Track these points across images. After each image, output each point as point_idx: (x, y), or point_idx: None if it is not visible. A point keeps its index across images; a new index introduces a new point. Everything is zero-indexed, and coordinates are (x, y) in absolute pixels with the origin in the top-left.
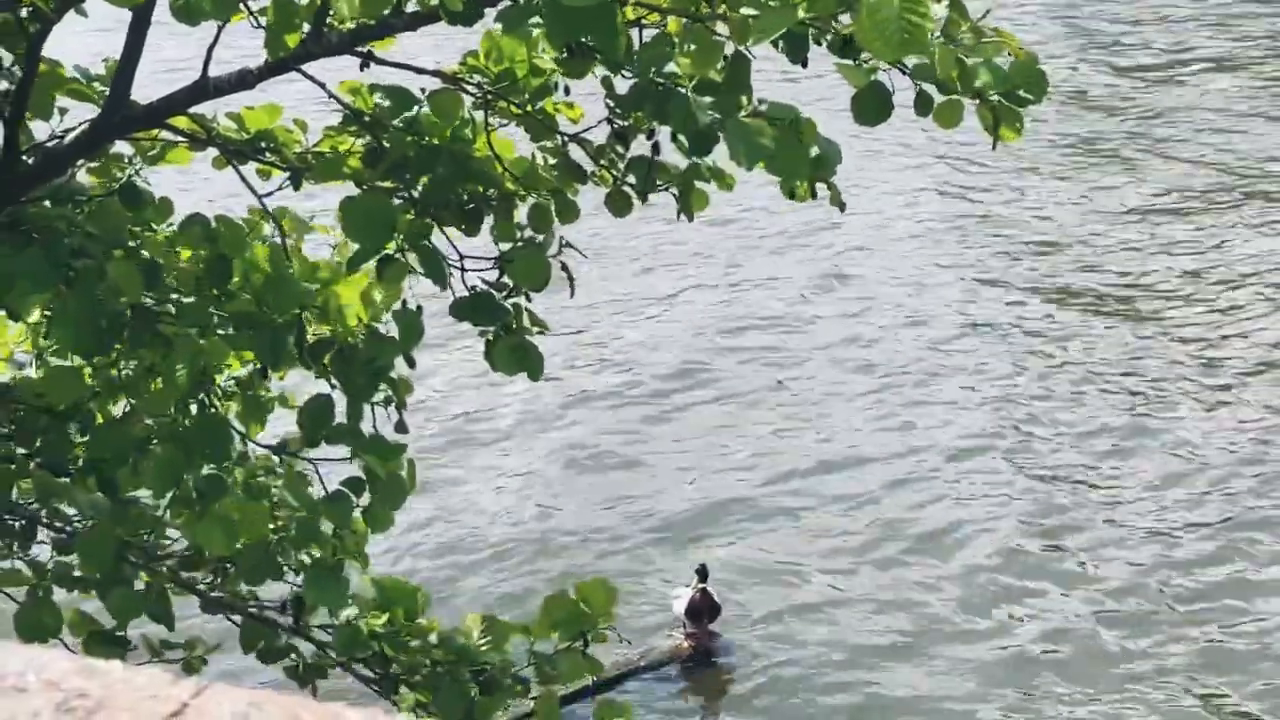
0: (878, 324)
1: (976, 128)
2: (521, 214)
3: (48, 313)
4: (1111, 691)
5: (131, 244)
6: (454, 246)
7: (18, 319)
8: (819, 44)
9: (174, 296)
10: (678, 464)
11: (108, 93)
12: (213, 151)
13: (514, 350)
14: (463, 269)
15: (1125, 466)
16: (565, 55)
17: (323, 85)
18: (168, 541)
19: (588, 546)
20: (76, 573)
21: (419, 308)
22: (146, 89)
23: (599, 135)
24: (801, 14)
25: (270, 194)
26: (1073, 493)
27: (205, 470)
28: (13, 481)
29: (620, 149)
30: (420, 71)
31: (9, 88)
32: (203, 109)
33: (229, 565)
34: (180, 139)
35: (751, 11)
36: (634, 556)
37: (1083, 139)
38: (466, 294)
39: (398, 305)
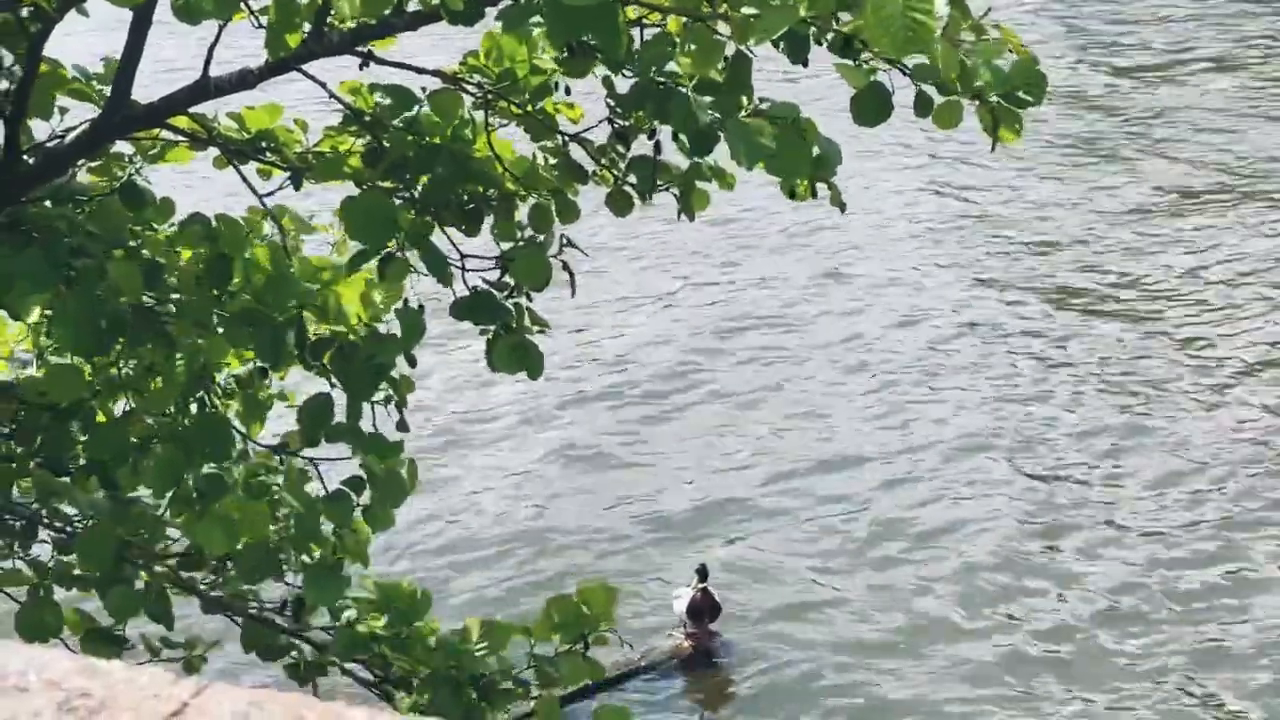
0: (877, 323)
1: (975, 128)
2: (522, 214)
3: (48, 312)
4: (1111, 691)
5: (132, 244)
6: (455, 246)
7: (19, 319)
8: (820, 44)
9: (174, 297)
10: (677, 463)
11: (108, 92)
12: (213, 151)
13: (514, 349)
14: (463, 269)
15: (1123, 466)
16: (566, 55)
17: (323, 85)
18: (168, 541)
19: (587, 546)
20: (77, 571)
21: (420, 306)
22: (147, 89)
23: (600, 135)
24: (802, 12)
25: (271, 194)
26: (1071, 492)
27: (206, 469)
28: (13, 480)
29: (621, 149)
30: (420, 71)
31: (9, 87)
32: (203, 109)
33: (229, 565)
34: (181, 139)
35: (752, 11)
36: (633, 556)
37: (1081, 139)
38: (467, 294)
39: (399, 304)
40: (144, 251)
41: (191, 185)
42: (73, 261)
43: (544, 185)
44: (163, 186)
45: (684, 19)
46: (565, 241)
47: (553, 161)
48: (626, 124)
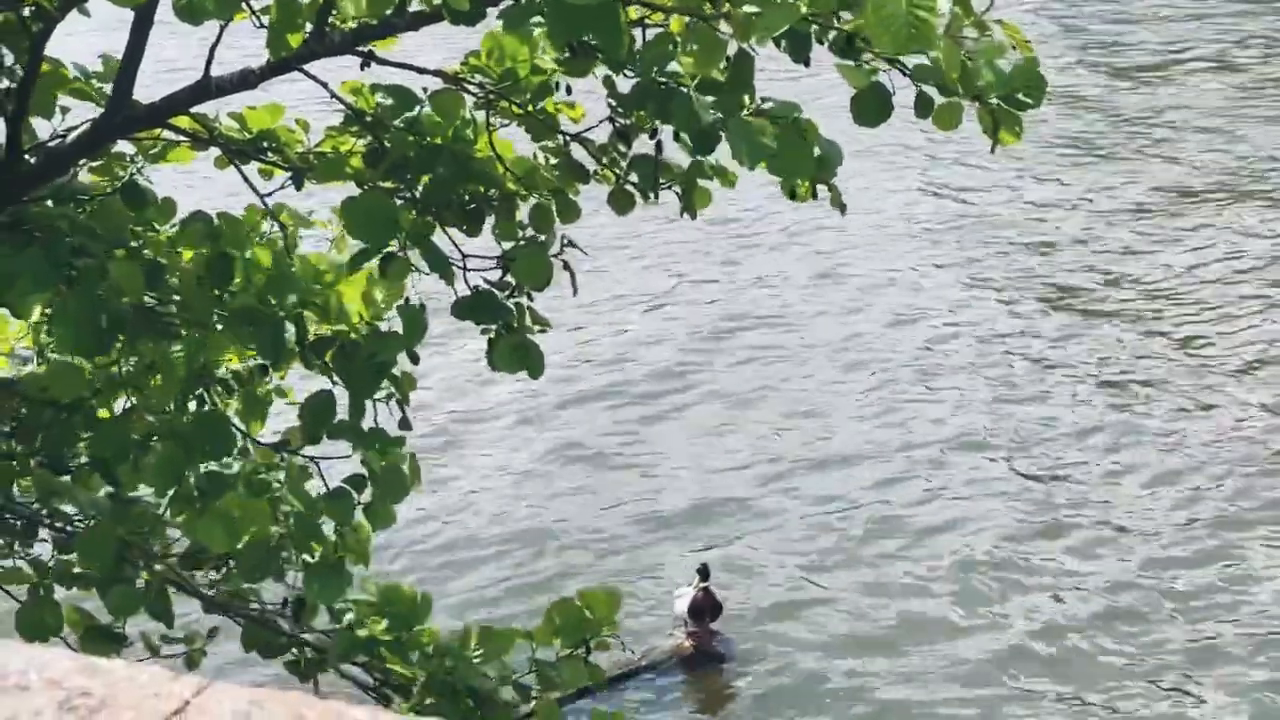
0: (875, 323)
1: (973, 128)
2: (523, 213)
3: (48, 310)
4: (1110, 690)
5: (134, 244)
6: (456, 246)
7: (21, 318)
8: (821, 43)
9: (176, 297)
10: (676, 462)
11: (109, 91)
12: (214, 151)
13: (515, 349)
14: (464, 268)
15: (1120, 465)
16: (567, 55)
17: (325, 85)
18: (168, 541)
19: (586, 545)
20: (77, 570)
21: (421, 305)
22: (149, 89)
23: (601, 134)
24: (804, 9)
25: (272, 194)
26: (1071, 492)
27: (208, 467)
28: (14, 479)
29: (622, 148)
30: (422, 71)
31: (11, 86)
32: (205, 108)
33: (230, 565)
34: (182, 138)
35: (754, 9)
36: (632, 555)
37: (1079, 139)
38: (469, 293)
39: (400, 302)
40: (145, 252)
41: (194, 185)
42: (74, 261)
43: (545, 185)
44: (164, 186)
45: (686, 19)
46: (566, 242)
47: (554, 161)
48: (628, 123)
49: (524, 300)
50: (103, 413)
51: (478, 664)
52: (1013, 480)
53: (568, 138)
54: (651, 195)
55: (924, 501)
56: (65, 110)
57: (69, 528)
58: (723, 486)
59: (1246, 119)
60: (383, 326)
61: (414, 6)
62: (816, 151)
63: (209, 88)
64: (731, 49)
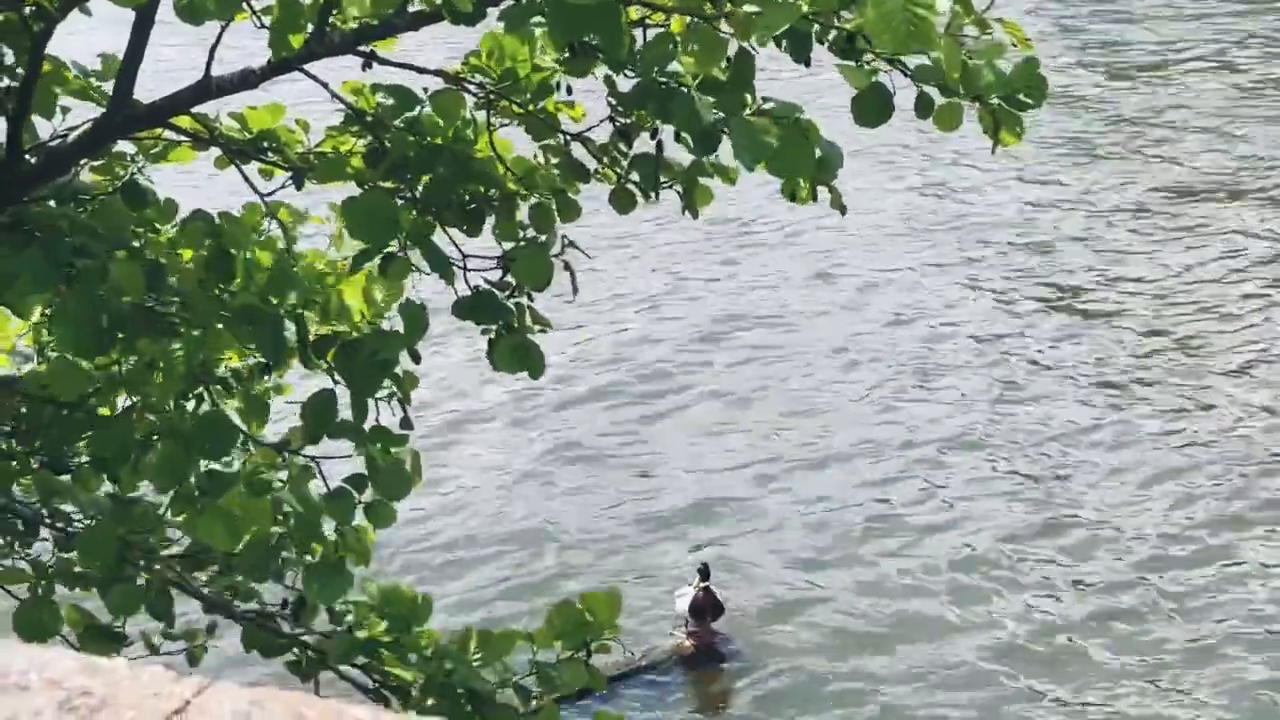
0: (874, 322)
1: (972, 128)
2: (523, 213)
3: (48, 310)
4: (1109, 689)
5: (135, 245)
6: (456, 246)
7: (23, 317)
8: (822, 42)
9: (176, 298)
10: (675, 461)
11: (108, 89)
12: (215, 151)
13: (516, 349)
14: (465, 268)
15: (1117, 465)
16: (568, 55)
17: (325, 85)
18: (169, 542)
19: (585, 545)
20: (78, 569)
21: (422, 304)
22: (150, 89)
23: (601, 133)
24: (804, 8)
25: (272, 193)
26: (1070, 491)
27: (208, 466)
28: (14, 479)
29: (623, 147)
30: (422, 71)
31: (11, 85)
32: (206, 108)
33: (231, 566)
34: (183, 138)
35: (754, 8)
36: (631, 554)
37: (1078, 139)
38: (469, 293)
39: (400, 301)
40: (146, 253)
41: (197, 185)
42: (74, 261)
43: (545, 185)
44: (165, 186)
45: (687, 19)
46: (567, 242)
47: (554, 161)
48: (629, 122)
49: (524, 300)
50: (104, 410)
51: (477, 666)
52: (1012, 479)
53: (568, 137)
54: (652, 194)
55: (923, 501)
56: (66, 110)
57: (69, 528)
58: (722, 486)
59: (1246, 119)
60: (384, 325)
61: (414, 6)
62: (818, 153)
63: (210, 87)
64: (732, 49)
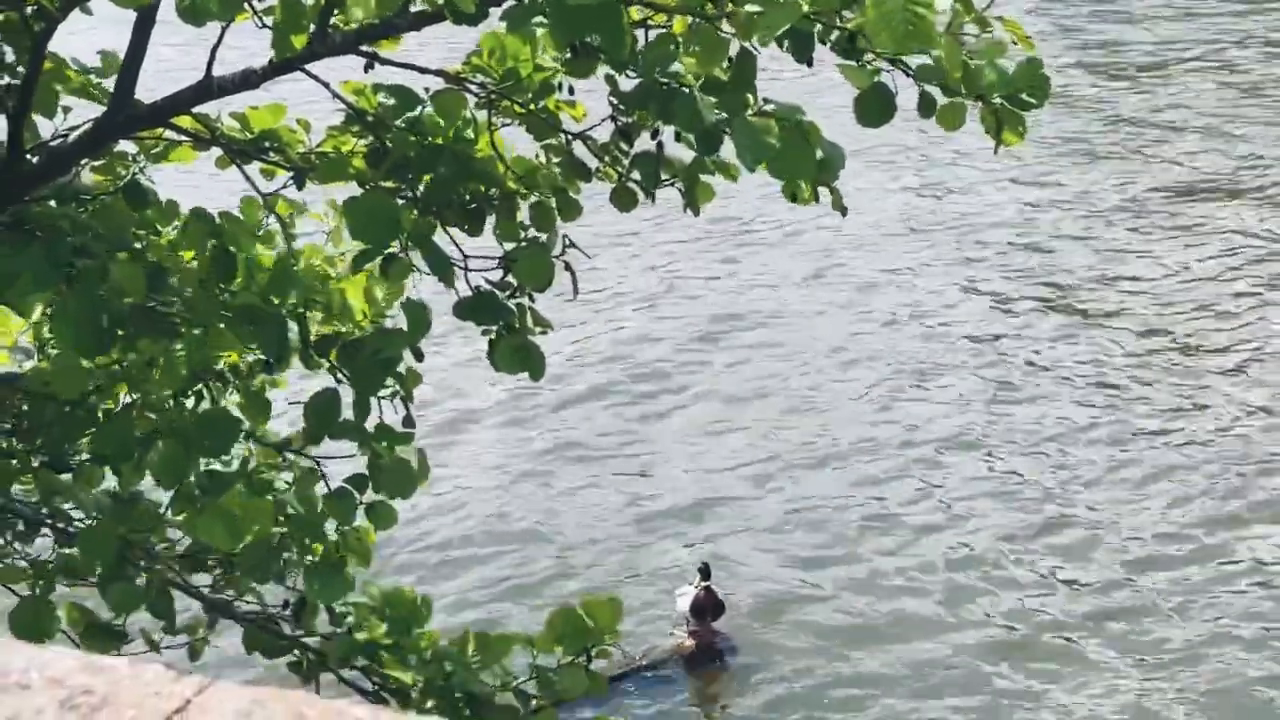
0: (873, 322)
1: (971, 128)
2: (524, 213)
3: (49, 308)
4: (1108, 689)
5: (136, 246)
6: (457, 246)
7: (23, 317)
8: (823, 42)
9: (177, 299)
10: (676, 461)
11: (109, 87)
12: (216, 151)
13: (517, 350)
14: (466, 269)
15: (1114, 464)
16: (569, 55)
17: (327, 85)
18: (170, 543)
19: (585, 544)
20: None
21: (424, 302)
22: (151, 88)
23: (602, 132)
24: (806, 8)
25: (274, 193)
26: (1069, 490)
27: (208, 465)
28: (15, 478)
29: (625, 146)
30: (423, 71)
31: (13, 84)
32: (207, 108)
33: (233, 566)
34: (184, 138)
35: (756, 8)
36: (631, 554)
37: (1077, 139)
38: (470, 294)
39: (402, 299)
40: (148, 255)
41: (198, 185)
42: (75, 260)
43: (546, 184)
44: (166, 186)
45: (689, 19)
46: (568, 243)
47: (556, 160)
48: (630, 121)
49: (525, 301)
50: (107, 404)
51: (476, 669)
52: (1010, 479)
53: (570, 136)
54: (653, 195)
55: (921, 500)
56: (67, 110)
57: (70, 527)
58: (721, 485)
59: (1244, 119)
60: (386, 323)
61: (416, 6)
62: (819, 154)
63: (211, 87)
64: (734, 49)
